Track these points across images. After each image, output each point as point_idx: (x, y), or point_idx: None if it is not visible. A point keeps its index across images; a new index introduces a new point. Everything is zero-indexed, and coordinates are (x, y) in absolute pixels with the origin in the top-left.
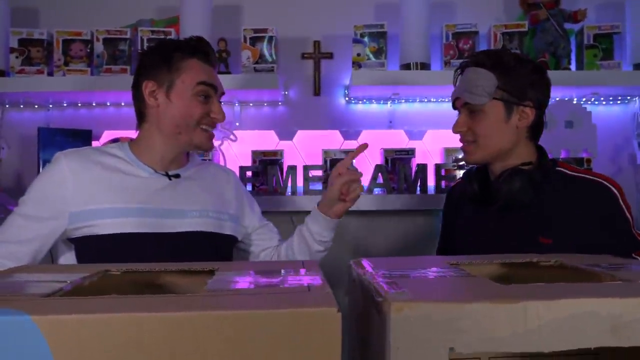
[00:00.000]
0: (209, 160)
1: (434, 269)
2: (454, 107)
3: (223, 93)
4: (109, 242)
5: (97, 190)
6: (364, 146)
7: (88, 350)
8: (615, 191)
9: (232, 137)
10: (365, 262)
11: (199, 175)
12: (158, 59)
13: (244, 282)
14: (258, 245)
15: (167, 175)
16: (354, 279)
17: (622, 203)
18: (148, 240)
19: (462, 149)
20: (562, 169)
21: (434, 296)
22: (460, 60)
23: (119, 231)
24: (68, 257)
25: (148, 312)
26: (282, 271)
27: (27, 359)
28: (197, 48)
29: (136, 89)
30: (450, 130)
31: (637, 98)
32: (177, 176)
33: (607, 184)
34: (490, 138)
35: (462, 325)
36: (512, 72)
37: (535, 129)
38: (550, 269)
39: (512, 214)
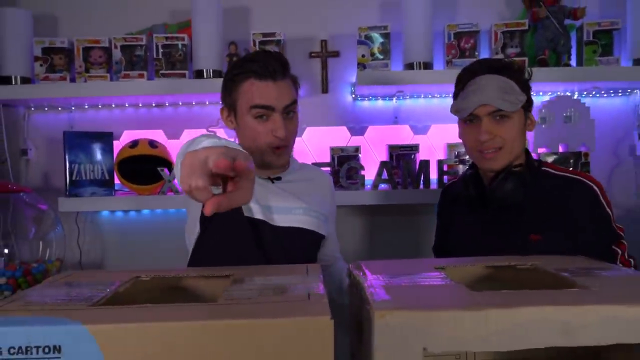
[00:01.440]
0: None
1: (423, 274)
2: (471, 115)
3: (289, 104)
4: (239, 221)
5: None
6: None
7: (133, 354)
8: (596, 188)
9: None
10: (363, 267)
11: (301, 178)
12: (224, 86)
13: (255, 289)
14: (323, 253)
15: (269, 179)
16: (352, 282)
17: (602, 199)
18: (263, 227)
19: (486, 156)
20: (547, 169)
21: (413, 304)
22: (462, 59)
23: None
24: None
25: (176, 321)
26: (289, 278)
27: None
28: (248, 68)
29: None
30: (452, 125)
31: (637, 90)
32: (279, 179)
33: (588, 182)
34: (516, 143)
35: (433, 330)
36: (523, 81)
37: None
38: (526, 272)
39: (504, 214)
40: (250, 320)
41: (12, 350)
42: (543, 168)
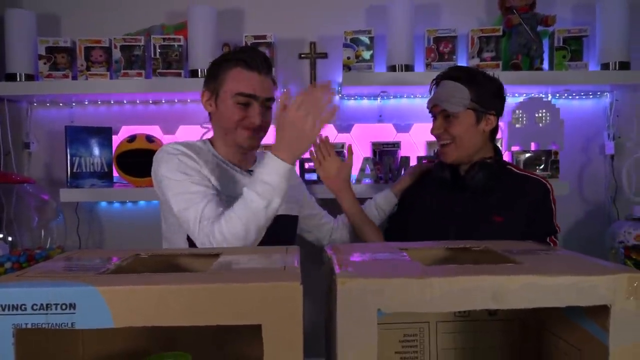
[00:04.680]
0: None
1: (386, 253)
2: (430, 112)
3: (269, 98)
4: None
5: (216, 178)
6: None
7: (135, 311)
8: (548, 186)
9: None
10: (335, 247)
11: None
12: (210, 72)
13: (240, 263)
14: (319, 230)
15: (247, 171)
16: (324, 260)
17: (550, 196)
18: None
19: (441, 150)
20: (510, 167)
21: (370, 274)
22: (440, 63)
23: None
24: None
25: (171, 284)
26: (269, 255)
27: (92, 316)
28: (238, 57)
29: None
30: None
31: (607, 93)
32: (251, 172)
33: (542, 180)
34: (464, 139)
35: (386, 294)
36: (482, 87)
37: (494, 132)
38: (479, 253)
39: (474, 197)
40: (233, 284)
41: (34, 307)
42: (507, 166)
